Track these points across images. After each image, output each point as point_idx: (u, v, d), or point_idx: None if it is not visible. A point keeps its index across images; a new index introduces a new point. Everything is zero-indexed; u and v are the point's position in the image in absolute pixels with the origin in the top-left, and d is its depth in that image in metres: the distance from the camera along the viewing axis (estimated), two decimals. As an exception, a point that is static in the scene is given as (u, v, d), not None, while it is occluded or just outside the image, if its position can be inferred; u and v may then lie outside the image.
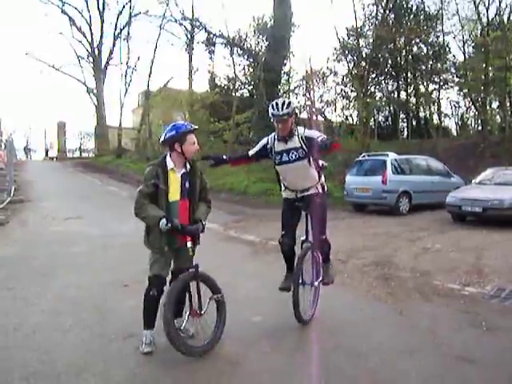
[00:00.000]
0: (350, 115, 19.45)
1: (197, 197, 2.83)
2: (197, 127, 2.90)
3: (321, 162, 3.19)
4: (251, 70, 20.61)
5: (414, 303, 3.74)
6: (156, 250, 2.75)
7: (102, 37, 24.53)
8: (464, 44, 17.68)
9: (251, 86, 20.85)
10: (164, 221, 2.59)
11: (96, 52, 24.57)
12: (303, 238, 3.26)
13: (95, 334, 2.99)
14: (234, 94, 19.60)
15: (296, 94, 19.57)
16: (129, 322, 3.11)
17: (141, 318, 2.76)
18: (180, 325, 2.79)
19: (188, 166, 2.81)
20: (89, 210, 9.48)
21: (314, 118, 19.12)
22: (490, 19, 15.79)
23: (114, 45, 24.42)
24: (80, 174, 19.02)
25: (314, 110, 18.72)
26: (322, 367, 2.58)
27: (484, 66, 14.73)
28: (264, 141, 3.18)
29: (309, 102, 19.00)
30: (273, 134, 3.11)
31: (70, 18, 23.71)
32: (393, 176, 9.45)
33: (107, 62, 24.81)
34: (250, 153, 3.23)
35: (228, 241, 6.71)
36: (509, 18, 16.31)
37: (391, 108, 21.01)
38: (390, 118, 21.93)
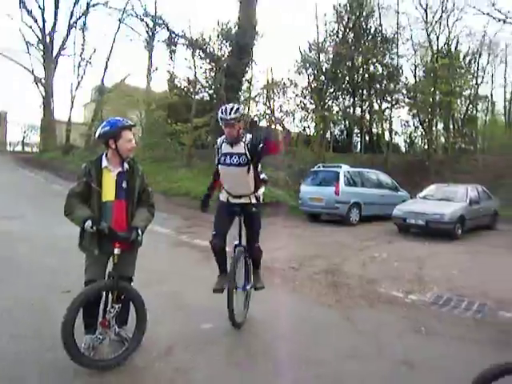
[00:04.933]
0: (308, 126, 19.98)
1: (135, 198, 2.68)
2: (134, 124, 2.76)
3: (262, 176, 3.24)
4: (212, 74, 20.46)
5: (360, 310, 3.88)
6: (88, 254, 2.59)
7: (55, 24, 23.00)
8: (415, 68, 19.03)
9: (212, 90, 20.65)
10: (89, 222, 2.42)
11: (47, 40, 22.99)
12: (236, 242, 3.27)
13: (31, 345, 2.73)
14: (193, 97, 19.32)
15: (256, 102, 19.73)
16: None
17: (81, 326, 2.58)
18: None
19: (126, 166, 2.66)
20: (30, 209, 8.73)
21: (273, 126, 19.41)
22: (440, 47, 17.19)
23: (68, 34, 22.95)
24: (21, 170, 17.58)
25: (273, 119, 19.02)
26: (272, 373, 2.58)
27: (432, 89, 15.96)
28: (217, 144, 3.28)
29: (268, 111, 19.26)
30: (223, 136, 3.17)
31: (20, 0, 22.05)
32: (345, 187, 9.83)
33: (59, 52, 23.24)
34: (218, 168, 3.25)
35: (180, 246, 6.53)
36: (456, 48, 17.94)
37: (347, 122, 21.96)
38: (345, 132, 22.90)
